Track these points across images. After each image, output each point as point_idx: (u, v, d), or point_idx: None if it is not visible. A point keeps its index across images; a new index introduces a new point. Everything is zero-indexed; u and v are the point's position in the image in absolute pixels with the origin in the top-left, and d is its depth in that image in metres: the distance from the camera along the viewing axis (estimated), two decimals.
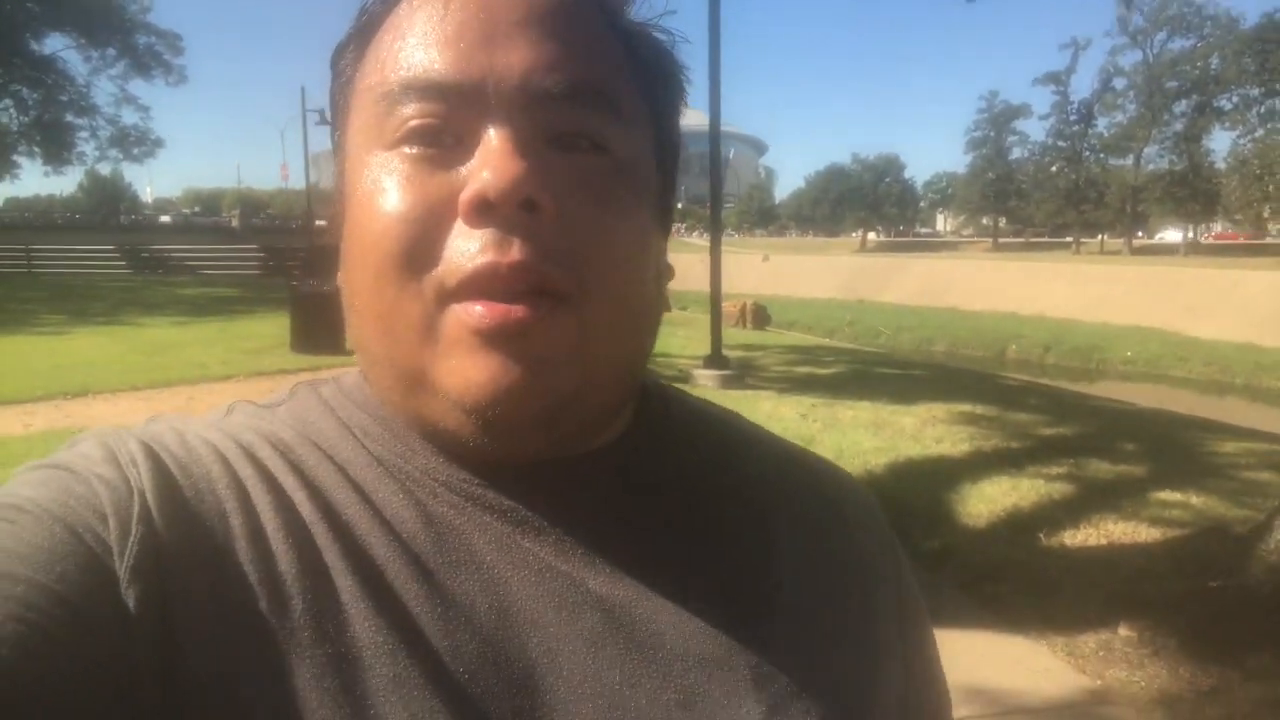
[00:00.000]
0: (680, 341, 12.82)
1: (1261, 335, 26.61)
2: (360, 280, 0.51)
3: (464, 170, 0.49)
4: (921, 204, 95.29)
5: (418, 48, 0.51)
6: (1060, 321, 33.07)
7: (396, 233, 0.49)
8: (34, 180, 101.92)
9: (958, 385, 11.15)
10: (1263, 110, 56.50)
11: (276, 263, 33.65)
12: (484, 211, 0.47)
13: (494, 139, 0.49)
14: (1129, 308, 32.60)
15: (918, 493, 5.73)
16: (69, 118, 30.21)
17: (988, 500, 5.49)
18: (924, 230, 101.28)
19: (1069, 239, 67.07)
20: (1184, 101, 59.70)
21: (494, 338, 0.48)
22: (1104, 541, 4.78)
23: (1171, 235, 70.88)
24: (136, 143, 30.60)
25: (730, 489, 0.61)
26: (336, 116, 0.56)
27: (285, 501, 0.51)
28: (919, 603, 0.66)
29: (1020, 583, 4.30)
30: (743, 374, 10.84)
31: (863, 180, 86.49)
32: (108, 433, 0.52)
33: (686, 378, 10.32)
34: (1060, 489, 5.71)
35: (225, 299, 21.15)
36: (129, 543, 0.45)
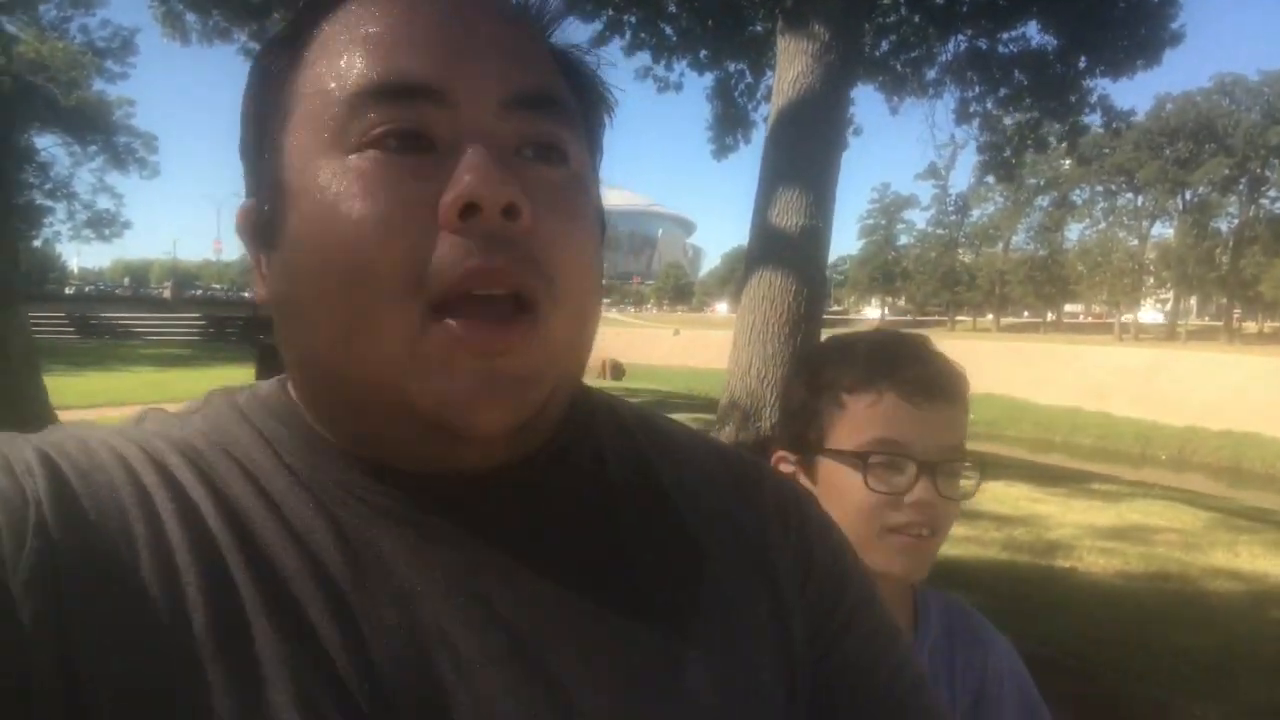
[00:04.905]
0: None
1: (1086, 401, 32.03)
2: (320, 289, 0.49)
3: (437, 176, 0.48)
4: (836, 288, 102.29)
5: (385, 50, 0.50)
6: None
7: (374, 239, 0.47)
8: None
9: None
10: (1104, 206, 64.51)
11: (216, 329, 38.06)
12: (469, 217, 0.47)
13: (473, 145, 0.48)
14: (986, 377, 38.11)
15: None
16: (39, 200, 34.60)
17: None
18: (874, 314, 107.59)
19: (946, 318, 74.16)
20: (1044, 197, 67.48)
21: (478, 358, 0.48)
22: None
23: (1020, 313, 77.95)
24: (108, 224, 35.32)
25: (654, 497, 0.60)
26: (262, 119, 0.54)
27: (191, 511, 0.49)
28: (850, 564, 0.67)
29: None
30: None
31: None
32: (2, 440, 0.50)
33: None
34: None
35: (182, 356, 25.28)
36: (23, 556, 0.43)
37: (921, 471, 1.00)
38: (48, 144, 33.60)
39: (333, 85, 0.50)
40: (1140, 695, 4.02)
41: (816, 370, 1.10)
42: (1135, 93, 66.37)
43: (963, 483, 1.04)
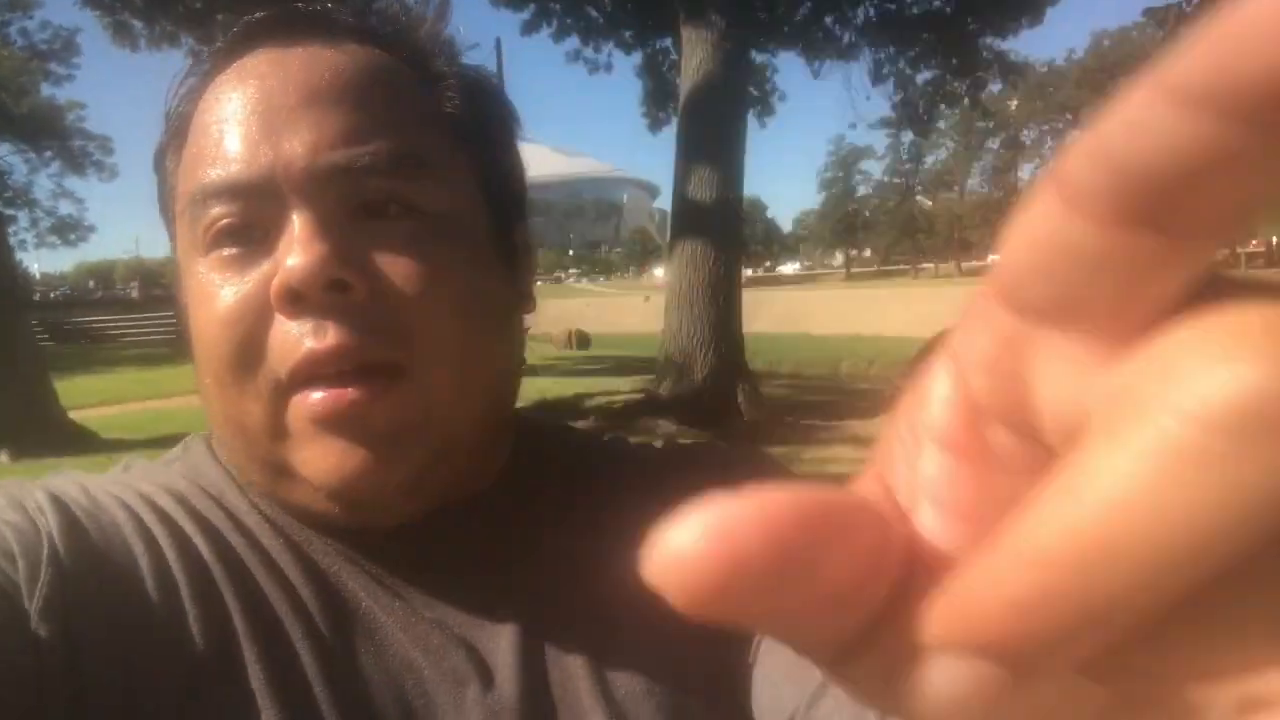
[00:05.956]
0: None
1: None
2: (204, 383, 0.53)
3: (273, 263, 0.49)
4: (800, 242, 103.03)
5: (212, 148, 0.51)
6: (891, 339, 38.52)
7: (223, 337, 0.49)
8: None
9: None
10: (1053, 144, 65.71)
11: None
12: (294, 301, 0.47)
13: (295, 225, 0.48)
14: (868, 321, 39.16)
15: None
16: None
17: (558, 392, 11.37)
18: (791, 266, 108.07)
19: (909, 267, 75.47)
20: (994, 139, 68.62)
21: (332, 424, 0.48)
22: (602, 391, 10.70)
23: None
24: (73, 229, 35.71)
25: (604, 516, 0.60)
26: (169, 224, 0.56)
27: (186, 544, 0.52)
28: None
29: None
30: (535, 368, 16.76)
31: None
32: (10, 485, 0.53)
33: None
34: (611, 383, 11.59)
35: (162, 355, 25.97)
36: (39, 583, 0.46)
37: None
38: (2, 153, 34.20)
39: (185, 189, 0.53)
40: None
41: None
42: (1075, 32, 67.60)
43: None
